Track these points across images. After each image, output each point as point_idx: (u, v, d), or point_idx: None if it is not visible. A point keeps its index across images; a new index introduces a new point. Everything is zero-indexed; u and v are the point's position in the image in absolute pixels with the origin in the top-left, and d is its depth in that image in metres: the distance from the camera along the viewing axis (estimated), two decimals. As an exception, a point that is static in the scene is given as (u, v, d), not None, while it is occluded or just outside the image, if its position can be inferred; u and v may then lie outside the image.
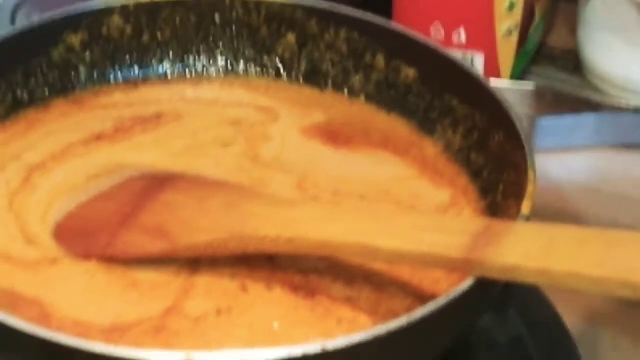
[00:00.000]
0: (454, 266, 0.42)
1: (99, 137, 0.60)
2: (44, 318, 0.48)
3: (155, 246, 0.49)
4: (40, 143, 0.59)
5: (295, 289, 0.50)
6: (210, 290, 0.50)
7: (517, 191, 0.53)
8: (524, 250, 0.40)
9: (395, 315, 0.45)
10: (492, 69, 0.82)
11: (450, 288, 0.45)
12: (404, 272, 0.51)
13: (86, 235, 0.51)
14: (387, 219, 0.46)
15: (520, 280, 0.40)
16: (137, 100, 0.64)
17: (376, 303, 0.50)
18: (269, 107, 0.64)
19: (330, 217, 0.47)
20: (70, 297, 0.49)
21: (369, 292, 0.50)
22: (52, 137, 0.60)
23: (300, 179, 0.58)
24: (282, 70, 0.67)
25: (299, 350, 0.42)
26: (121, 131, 0.61)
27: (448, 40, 0.81)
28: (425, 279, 0.51)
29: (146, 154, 0.59)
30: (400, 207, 0.56)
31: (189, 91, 0.66)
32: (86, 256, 0.50)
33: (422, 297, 0.50)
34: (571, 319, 0.59)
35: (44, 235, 0.53)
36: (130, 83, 0.66)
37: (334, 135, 0.62)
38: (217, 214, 0.48)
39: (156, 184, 0.52)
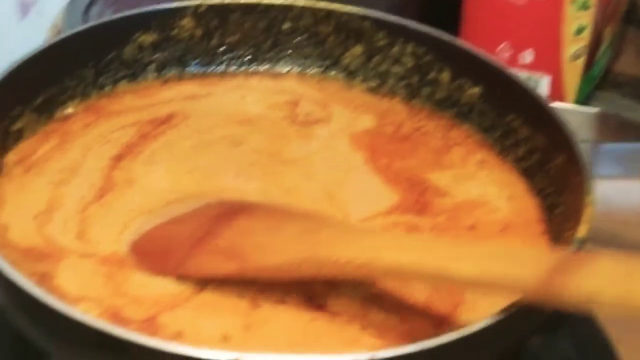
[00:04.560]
0: (529, 294, 0.42)
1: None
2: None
3: (227, 266, 0.49)
4: (82, 161, 0.59)
5: (310, 299, 0.50)
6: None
7: (575, 214, 0.53)
8: (600, 281, 0.40)
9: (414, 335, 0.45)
10: (557, 92, 0.82)
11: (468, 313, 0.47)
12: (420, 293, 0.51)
13: (161, 254, 0.52)
14: (462, 247, 0.46)
15: (593, 309, 0.40)
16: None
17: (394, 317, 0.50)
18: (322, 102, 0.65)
19: (404, 244, 0.47)
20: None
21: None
22: (91, 153, 0.59)
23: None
24: (346, 81, 0.67)
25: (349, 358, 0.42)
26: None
27: (514, 61, 0.81)
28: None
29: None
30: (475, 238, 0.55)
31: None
32: (161, 273, 0.51)
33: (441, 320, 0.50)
34: (627, 350, 0.59)
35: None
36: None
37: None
38: (291, 239, 0.48)
39: (230, 211, 0.52)
